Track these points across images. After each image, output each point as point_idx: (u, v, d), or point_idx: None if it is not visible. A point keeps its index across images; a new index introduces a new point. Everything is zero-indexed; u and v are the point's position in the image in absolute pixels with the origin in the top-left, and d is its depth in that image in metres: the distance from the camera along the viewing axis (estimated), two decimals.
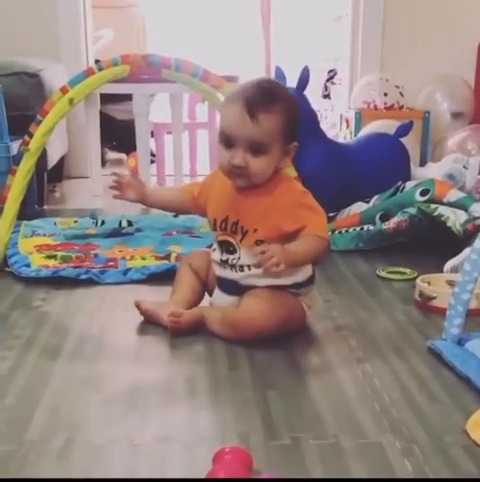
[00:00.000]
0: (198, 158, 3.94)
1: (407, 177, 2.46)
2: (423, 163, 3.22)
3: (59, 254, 2.05)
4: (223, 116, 1.45)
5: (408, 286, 1.83)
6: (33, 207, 2.60)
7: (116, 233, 2.33)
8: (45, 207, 2.86)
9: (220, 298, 1.57)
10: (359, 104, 3.47)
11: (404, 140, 2.58)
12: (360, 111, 3.37)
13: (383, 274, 1.95)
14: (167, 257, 2.03)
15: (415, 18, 3.63)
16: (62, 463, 1.04)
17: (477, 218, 2.02)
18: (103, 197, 3.06)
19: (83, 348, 1.47)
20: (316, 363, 1.41)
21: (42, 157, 2.32)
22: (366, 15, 3.64)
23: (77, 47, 3.54)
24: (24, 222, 2.35)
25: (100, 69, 2.09)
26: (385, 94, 3.40)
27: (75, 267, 1.94)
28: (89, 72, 2.11)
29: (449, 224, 2.03)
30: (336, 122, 3.78)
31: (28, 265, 1.95)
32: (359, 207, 2.34)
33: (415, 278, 1.80)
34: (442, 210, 2.08)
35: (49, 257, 2.03)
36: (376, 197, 2.34)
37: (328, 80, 4.39)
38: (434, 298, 1.66)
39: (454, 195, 2.16)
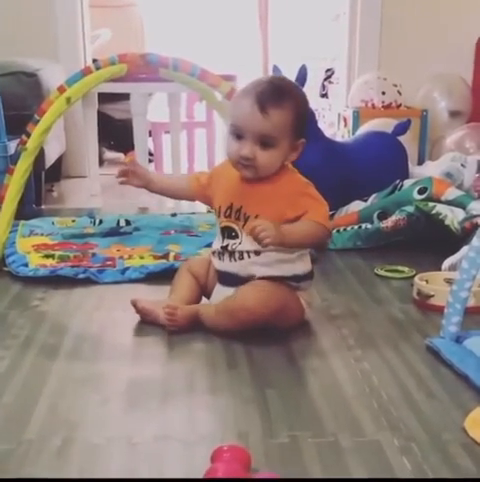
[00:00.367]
0: (196, 157, 3.94)
1: (405, 175, 2.46)
2: (421, 161, 3.23)
3: (57, 253, 2.05)
4: (234, 109, 1.49)
5: (406, 284, 1.84)
6: (31, 207, 2.61)
7: (114, 232, 2.33)
8: (43, 206, 2.86)
9: (220, 292, 1.56)
10: (357, 103, 3.47)
11: (402, 139, 2.58)
12: (358, 110, 3.38)
13: (381, 272, 1.95)
14: (165, 256, 2.03)
15: (413, 16, 3.64)
16: (60, 462, 1.04)
17: (475, 216, 2.02)
18: (101, 196, 3.06)
19: (81, 347, 1.47)
20: (314, 361, 1.41)
21: (40, 156, 2.31)
22: (364, 14, 3.64)
23: (75, 46, 3.53)
24: (22, 222, 2.35)
25: (97, 68, 2.09)
26: (383, 93, 3.40)
27: (73, 266, 1.94)
28: (86, 71, 2.11)
29: (447, 222, 2.03)
30: (334, 121, 3.78)
31: (26, 265, 1.94)
32: (357, 206, 2.34)
33: (413, 276, 1.80)
34: (440, 208, 2.08)
35: (47, 256, 2.03)
36: (374, 195, 2.34)
37: (326, 79, 4.39)
38: (432, 296, 1.66)
39: (452, 193, 2.16)
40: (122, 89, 2.89)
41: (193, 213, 2.59)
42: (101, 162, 3.70)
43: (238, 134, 1.47)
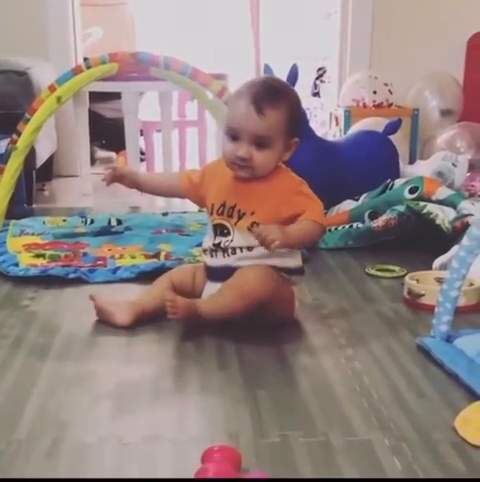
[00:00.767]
0: (188, 156, 3.94)
1: (396, 175, 2.47)
2: (412, 161, 3.23)
3: (48, 253, 2.05)
4: (230, 110, 1.51)
5: (397, 284, 1.84)
6: (22, 206, 2.60)
7: (105, 232, 2.32)
8: (34, 206, 2.85)
9: (212, 288, 1.56)
10: (348, 102, 3.47)
11: (393, 138, 2.58)
12: (349, 109, 3.38)
13: (372, 272, 1.95)
14: (156, 255, 2.03)
15: (404, 15, 3.64)
16: (51, 462, 1.04)
17: (465, 215, 2.03)
18: (92, 196, 3.06)
19: (72, 347, 1.47)
20: (305, 361, 1.41)
21: (30, 155, 2.31)
22: (355, 13, 3.65)
23: (66, 45, 3.52)
24: (13, 221, 2.34)
25: (88, 67, 2.10)
26: (374, 92, 3.41)
27: (64, 266, 1.93)
28: (77, 70, 2.11)
29: (438, 222, 2.03)
30: (325, 120, 3.79)
31: (16, 264, 1.94)
32: (348, 205, 2.34)
33: (404, 276, 1.81)
34: (431, 208, 2.08)
35: (38, 256, 2.02)
36: (365, 195, 2.34)
37: (317, 78, 4.39)
38: (423, 295, 1.67)
39: (443, 193, 2.16)
40: (113, 88, 2.88)
41: (184, 212, 2.59)
42: (93, 161, 3.69)
43: (233, 135, 1.47)
